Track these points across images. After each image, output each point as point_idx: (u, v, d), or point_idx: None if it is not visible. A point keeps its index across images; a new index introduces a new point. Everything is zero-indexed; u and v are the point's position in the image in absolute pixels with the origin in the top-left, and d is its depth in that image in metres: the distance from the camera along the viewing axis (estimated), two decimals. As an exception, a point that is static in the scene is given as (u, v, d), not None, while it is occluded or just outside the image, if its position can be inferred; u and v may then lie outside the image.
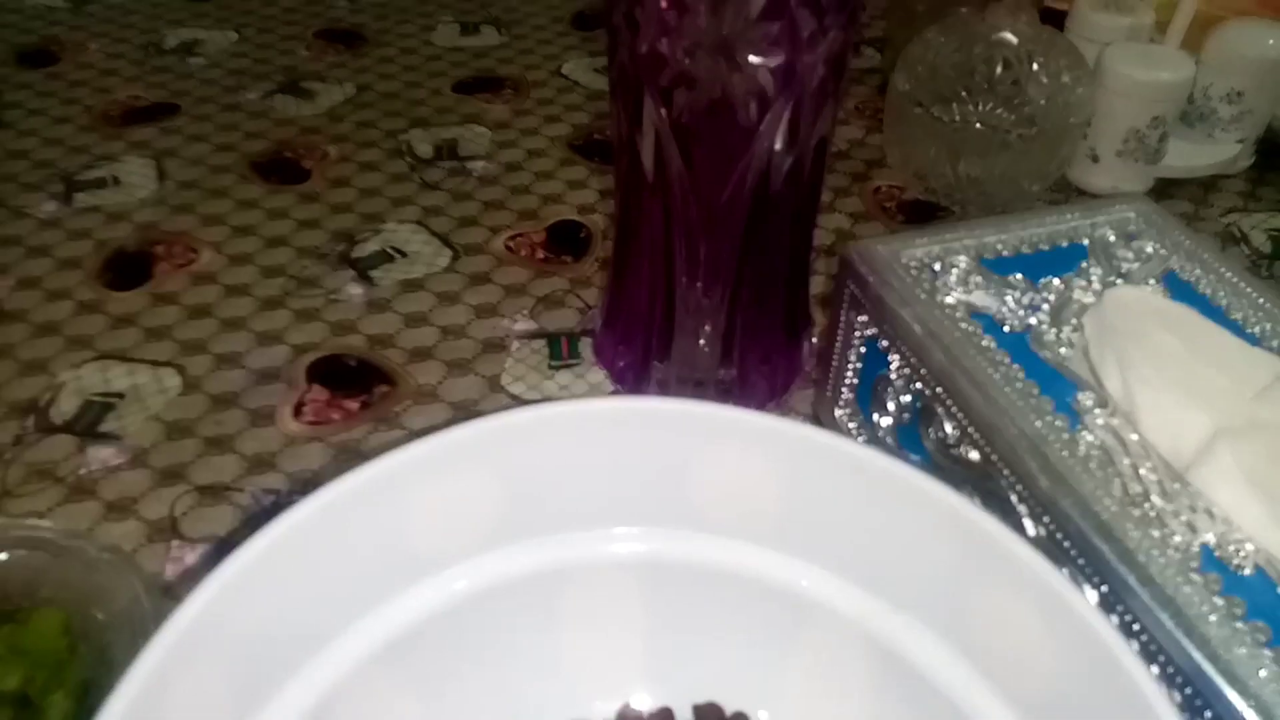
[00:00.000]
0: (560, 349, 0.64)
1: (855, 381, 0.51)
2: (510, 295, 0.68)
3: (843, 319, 0.51)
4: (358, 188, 0.79)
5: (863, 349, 0.50)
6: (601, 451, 0.39)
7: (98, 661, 0.42)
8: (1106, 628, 0.30)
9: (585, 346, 0.65)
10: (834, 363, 0.52)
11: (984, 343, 0.44)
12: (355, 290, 0.69)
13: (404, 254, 0.72)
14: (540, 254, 0.72)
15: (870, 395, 0.49)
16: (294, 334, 0.65)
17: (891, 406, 0.48)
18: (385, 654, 0.38)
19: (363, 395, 0.61)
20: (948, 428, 0.43)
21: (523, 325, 0.66)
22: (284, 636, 0.35)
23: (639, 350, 0.59)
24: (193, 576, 0.32)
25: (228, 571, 0.33)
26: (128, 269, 0.70)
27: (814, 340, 0.60)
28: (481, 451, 0.38)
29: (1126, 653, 0.30)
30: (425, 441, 0.37)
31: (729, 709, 0.41)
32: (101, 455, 0.56)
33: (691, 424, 0.38)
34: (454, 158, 0.83)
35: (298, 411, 0.59)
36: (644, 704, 0.41)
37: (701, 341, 0.57)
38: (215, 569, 0.33)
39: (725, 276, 0.55)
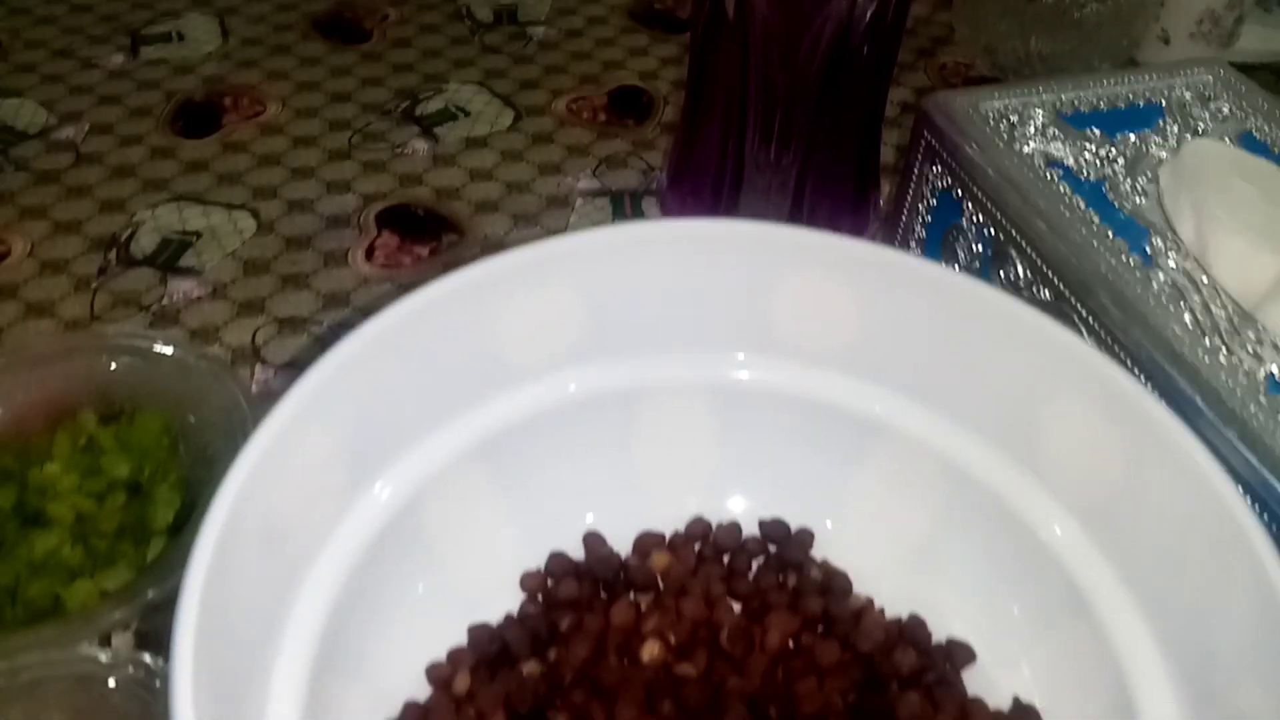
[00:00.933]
0: (623, 207, 0.65)
1: (924, 236, 0.52)
2: (573, 155, 0.69)
3: (915, 173, 0.51)
4: (419, 49, 0.79)
5: (934, 201, 0.51)
6: (683, 273, 0.41)
7: (198, 460, 0.45)
8: (1182, 430, 0.32)
9: (649, 205, 0.65)
10: (903, 218, 0.53)
11: (1060, 189, 0.45)
12: (420, 145, 0.69)
13: (467, 113, 0.73)
14: (602, 117, 0.73)
15: (940, 246, 0.50)
16: (362, 183, 0.66)
17: (962, 256, 0.49)
18: (476, 451, 0.40)
19: (432, 242, 0.62)
20: (1020, 269, 0.44)
21: (586, 184, 0.67)
22: (387, 423, 0.37)
23: (705, 209, 0.60)
24: (278, 396, 0.34)
25: (340, 353, 0.35)
26: (197, 118, 0.72)
27: (881, 204, 0.61)
28: (569, 265, 0.40)
29: (1202, 452, 0.31)
30: (518, 251, 0.39)
31: (794, 524, 0.43)
32: (183, 287, 0.58)
33: (776, 246, 0.40)
34: (513, 23, 0.83)
35: (369, 254, 0.61)
36: (713, 517, 0.43)
37: (770, 201, 0.58)
38: (327, 350, 0.35)
39: (799, 134, 0.55)
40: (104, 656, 0.35)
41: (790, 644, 0.38)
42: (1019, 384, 0.37)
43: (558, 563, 0.42)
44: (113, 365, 0.47)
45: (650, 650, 0.38)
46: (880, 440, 0.41)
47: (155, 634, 0.41)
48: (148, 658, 0.35)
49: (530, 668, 0.38)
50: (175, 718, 0.26)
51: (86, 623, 0.37)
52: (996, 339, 0.37)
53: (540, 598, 0.41)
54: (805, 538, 0.42)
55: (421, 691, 0.38)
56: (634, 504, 0.44)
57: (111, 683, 0.35)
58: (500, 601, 0.41)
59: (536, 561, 0.42)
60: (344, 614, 0.35)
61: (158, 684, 0.35)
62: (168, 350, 0.46)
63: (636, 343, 0.42)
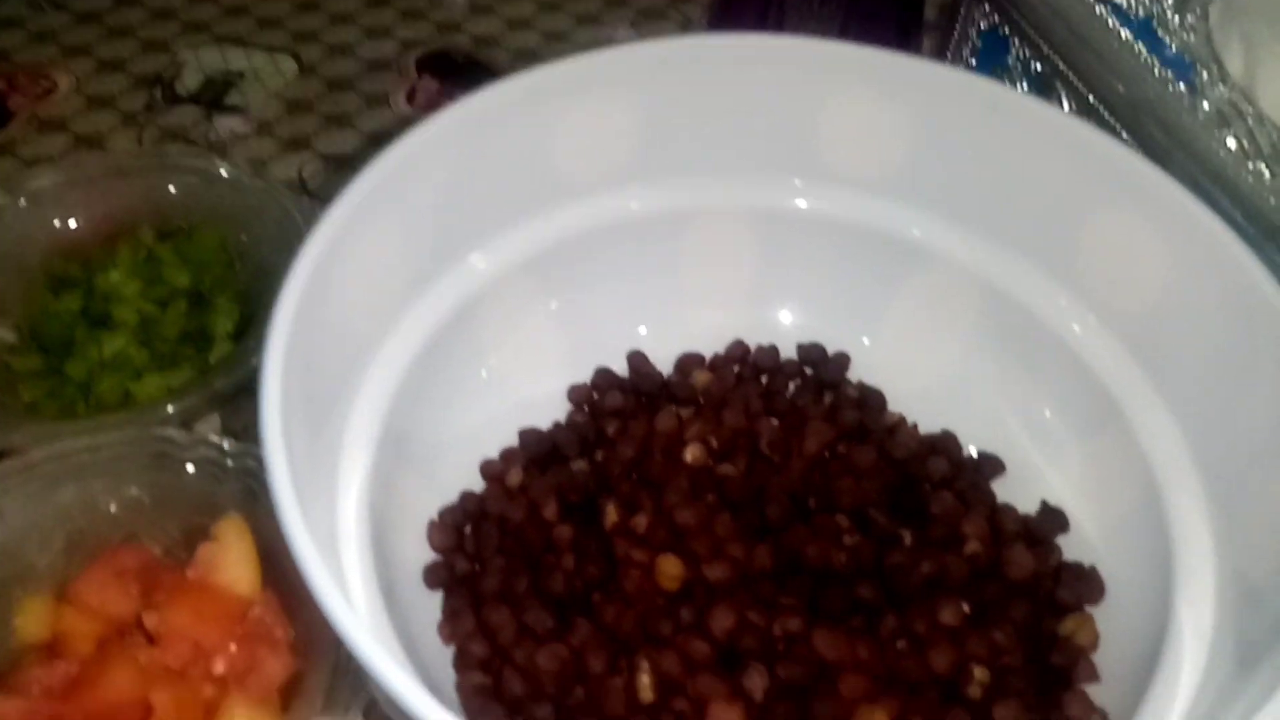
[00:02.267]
0: (663, 58, 0.65)
1: (967, 78, 0.52)
2: (611, 6, 0.69)
3: (962, 14, 0.51)
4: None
5: (980, 43, 0.51)
6: (738, 88, 0.41)
7: (255, 274, 0.46)
8: (1229, 235, 0.33)
9: (688, 57, 0.65)
10: (948, 58, 0.53)
11: (1109, 23, 0.45)
12: (459, -6, 0.69)
13: (506, -37, 0.72)
14: (642, -31, 0.72)
15: (984, 87, 0.50)
16: (401, 30, 0.66)
17: (1005, 95, 0.49)
18: (528, 263, 0.41)
19: (472, 88, 0.62)
20: (1066, 103, 0.45)
21: (624, 34, 0.67)
22: (445, 225, 0.39)
23: (744, 57, 0.59)
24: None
25: (398, 152, 0.36)
26: (235, -37, 0.71)
27: (924, 51, 0.60)
28: (621, 75, 0.40)
29: (1248, 255, 0.32)
30: (575, 60, 0.39)
31: (831, 347, 0.44)
32: (229, 124, 0.59)
33: (831, 60, 0.40)
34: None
35: (410, 98, 0.61)
36: (753, 340, 0.45)
37: (809, 47, 0.58)
38: (388, 147, 0.36)
39: (841, -24, 0.55)
40: (179, 438, 0.37)
41: (826, 453, 0.40)
42: (1064, 199, 0.37)
43: (604, 377, 0.44)
44: (170, 185, 0.48)
45: (693, 452, 0.39)
46: (919, 262, 0.42)
47: (224, 422, 0.43)
48: (215, 437, 0.37)
49: (579, 466, 0.40)
50: (272, 481, 0.27)
51: (155, 410, 0.39)
52: (1044, 153, 0.37)
53: (587, 409, 0.43)
54: (842, 360, 0.44)
55: (476, 485, 0.40)
56: (677, 325, 0.45)
57: (186, 463, 0.37)
58: (549, 413, 0.43)
59: (583, 377, 0.44)
60: (405, 407, 0.37)
61: (229, 463, 0.37)
62: (223, 171, 0.47)
63: (689, 163, 0.42)
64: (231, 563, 0.35)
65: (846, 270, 0.44)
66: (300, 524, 0.26)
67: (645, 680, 0.29)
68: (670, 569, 0.33)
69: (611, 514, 0.36)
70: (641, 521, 0.35)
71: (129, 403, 0.42)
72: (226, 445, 0.37)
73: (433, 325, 0.39)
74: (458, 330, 0.40)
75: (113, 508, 0.37)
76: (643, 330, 0.45)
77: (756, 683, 0.29)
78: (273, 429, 0.27)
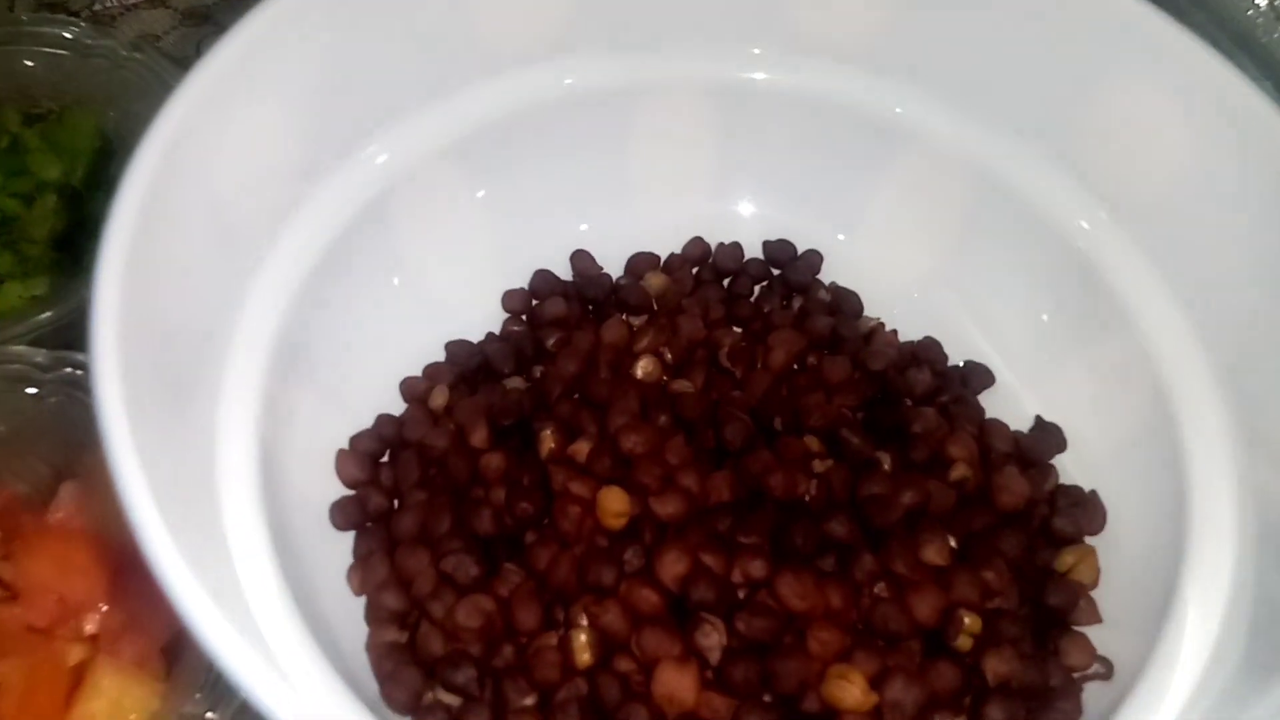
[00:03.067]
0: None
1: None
2: None
3: None
4: None
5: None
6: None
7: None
8: (1265, 105, 0.28)
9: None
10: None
11: None
12: None
13: None
14: None
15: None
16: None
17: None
18: (451, 147, 0.35)
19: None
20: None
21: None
22: (349, 101, 0.32)
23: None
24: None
25: (277, 6, 0.29)
26: None
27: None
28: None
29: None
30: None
31: (801, 245, 0.39)
32: (116, -8, 0.52)
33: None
34: None
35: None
36: (713, 237, 0.40)
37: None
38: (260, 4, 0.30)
39: None
40: (38, 358, 0.32)
41: (795, 366, 0.35)
42: (1069, 68, 0.32)
43: (543, 281, 0.38)
44: (33, 61, 0.41)
45: (644, 367, 0.35)
46: (900, 145, 0.36)
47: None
48: (78, 357, 0.32)
49: (514, 384, 0.35)
50: (103, 414, 0.22)
51: (15, 324, 0.34)
52: (1046, 13, 0.32)
53: (525, 318, 0.38)
54: (813, 259, 0.39)
55: (395, 406, 0.35)
56: (626, 221, 0.40)
57: (50, 389, 0.32)
58: (480, 322, 0.38)
59: (519, 280, 0.39)
60: (303, 319, 0.32)
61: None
62: (100, 44, 0.41)
63: (637, 31, 0.36)
64: (102, 503, 0.30)
65: (817, 155, 0.38)
66: (133, 466, 0.21)
67: (583, 639, 0.25)
68: (614, 504, 0.28)
69: (548, 440, 0.31)
70: (582, 448, 0.30)
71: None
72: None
73: (339, 219, 0.33)
74: (367, 228, 0.34)
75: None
76: (585, 227, 0.39)
77: (713, 640, 0.25)
78: (106, 359, 0.22)
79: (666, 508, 0.28)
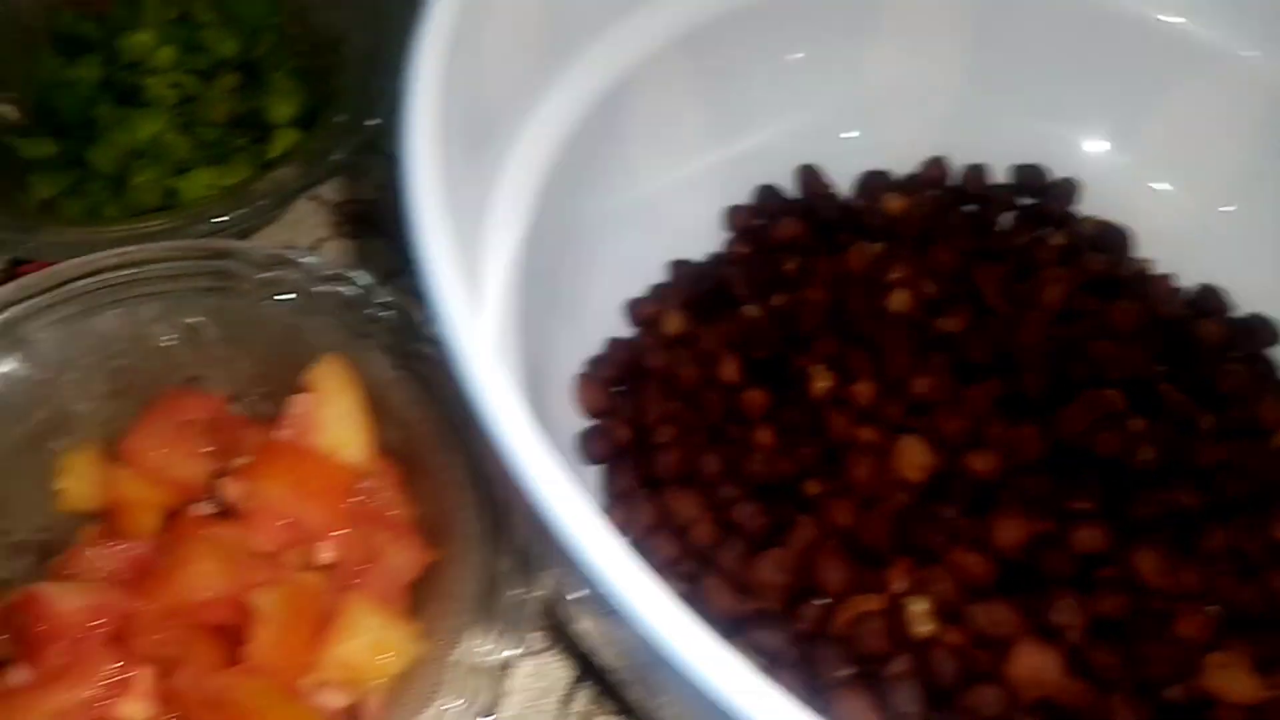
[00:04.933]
0: None
1: None
2: None
3: None
4: None
5: None
6: None
7: (320, 45, 0.36)
8: None
9: None
10: None
11: None
12: None
13: None
14: None
15: None
16: None
17: None
18: (682, 41, 0.31)
19: None
20: None
21: None
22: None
23: None
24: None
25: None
26: None
27: None
28: None
29: None
30: None
31: (1055, 168, 0.35)
32: None
33: None
34: None
35: None
36: (955, 152, 0.36)
37: None
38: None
39: None
40: (251, 252, 0.28)
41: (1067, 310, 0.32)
42: None
43: (770, 198, 0.35)
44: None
45: (899, 300, 0.31)
46: (1183, 63, 0.32)
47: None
48: (302, 254, 0.28)
49: (750, 312, 0.32)
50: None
51: (208, 215, 0.30)
52: None
53: (751, 238, 0.34)
54: (1067, 188, 0.35)
55: (617, 326, 0.32)
56: (860, 135, 0.36)
57: (261, 287, 0.28)
58: (700, 241, 0.34)
59: (738, 196, 0.35)
60: (543, 223, 0.28)
61: (317, 289, 0.28)
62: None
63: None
64: (335, 420, 0.27)
65: (1078, 69, 0.34)
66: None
67: (923, 607, 0.22)
68: (917, 456, 0.25)
69: (821, 379, 0.28)
70: (865, 391, 0.27)
71: (174, 205, 0.33)
72: (311, 261, 0.28)
73: (574, 115, 0.30)
74: (601, 123, 0.30)
75: (167, 341, 0.29)
76: (812, 140, 0.36)
77: (1069, 617, 0.22)
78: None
79: (982, 464, 0.25)
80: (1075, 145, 0.35)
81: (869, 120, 0.36)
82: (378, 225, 0.37)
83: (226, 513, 0.27)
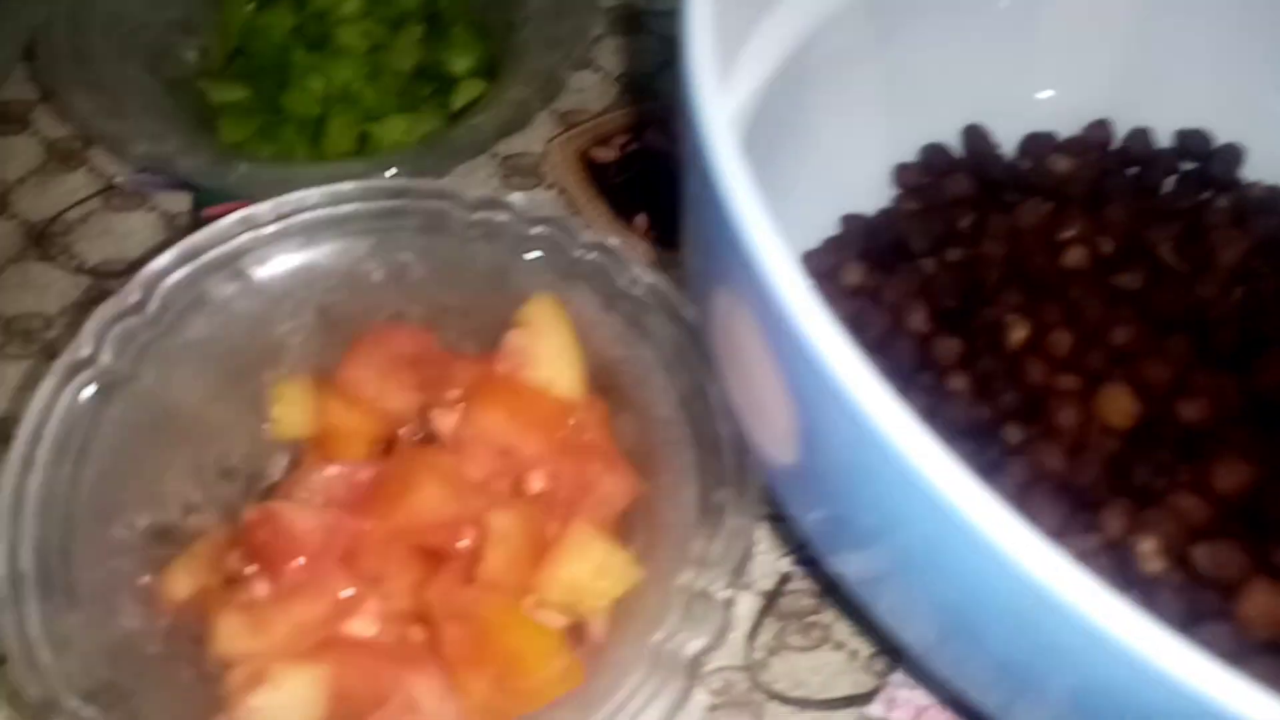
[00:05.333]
0: None
1: None
2: None
3: None
4: None
5: None
6: None
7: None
8: None
9: None
10: None
11: None
12: None
13: None
14: None
15: None
16: None
17: None
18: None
19: None
20: None
21: None
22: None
23: None
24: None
25: None
26: None
27: None
28: None
29: None
30: None
31: (1219, 134, 0.35)
32: None
33: None
34: None
35: None
36: (1117, 115, 0.36)
37: None
38: None
39: None
40: (462, 193, 0.29)
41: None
42: None
43: (938, 156, 0.35)
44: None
45: (1075, 256, 0.32)
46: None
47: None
48: (509, 196, 0.29)
49: (929, 266, 0.32)
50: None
51: (404, 162, 0.31)
52: None
53: (920, 196, 0.35)
54: (1232, 154, 0.35)
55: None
56: (1020, 96, 0.36)
57: (471, 227, 0.29)
58: (866, 197, 0.35)
59: (905, 155, 0.36)
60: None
61: (527, 230, 0.29)
62: None
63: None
64: (549, 356, 0.28)
65: (1255, 38, 0.35)
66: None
67: (1148, 547, 0.23)
68: (1123, 403, 0.26)
69: (1018, 328, 0.28)
70: (1062, 339, 0.28)
71: (363, 151, 0.34)
72: (521, 204, 0.29)
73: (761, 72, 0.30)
74: (784, 86, 0.31)
75: (377, 276, 0.30)
76: (973, 100, 0.36)
77: (1296, 560, 0.23)
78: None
79: (1192, 411, 0.26)
80: (1244, 109, 0.35)
81: (1035, 78, 0.36)
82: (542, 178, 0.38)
83: (431, 443, 0.29)
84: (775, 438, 0.23)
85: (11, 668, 0.22)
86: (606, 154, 0.39)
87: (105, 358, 0.26)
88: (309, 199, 0.29)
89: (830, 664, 0.29)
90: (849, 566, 0.25)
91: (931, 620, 0.22)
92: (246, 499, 0.29)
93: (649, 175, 0.40)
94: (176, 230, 0.38)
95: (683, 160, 0.24)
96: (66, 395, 0.26)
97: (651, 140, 0.40)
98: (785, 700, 0.29)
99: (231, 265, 0.29)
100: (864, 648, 0.30)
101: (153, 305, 0.27)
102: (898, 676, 0.29)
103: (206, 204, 0.37)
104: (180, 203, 0.38)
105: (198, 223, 0.38)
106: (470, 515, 0.26)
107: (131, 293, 0.27)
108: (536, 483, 0.27)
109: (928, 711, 0.29)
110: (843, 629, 0.30)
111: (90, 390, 0.26)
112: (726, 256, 0.21)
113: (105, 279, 0.36)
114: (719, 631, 0.24)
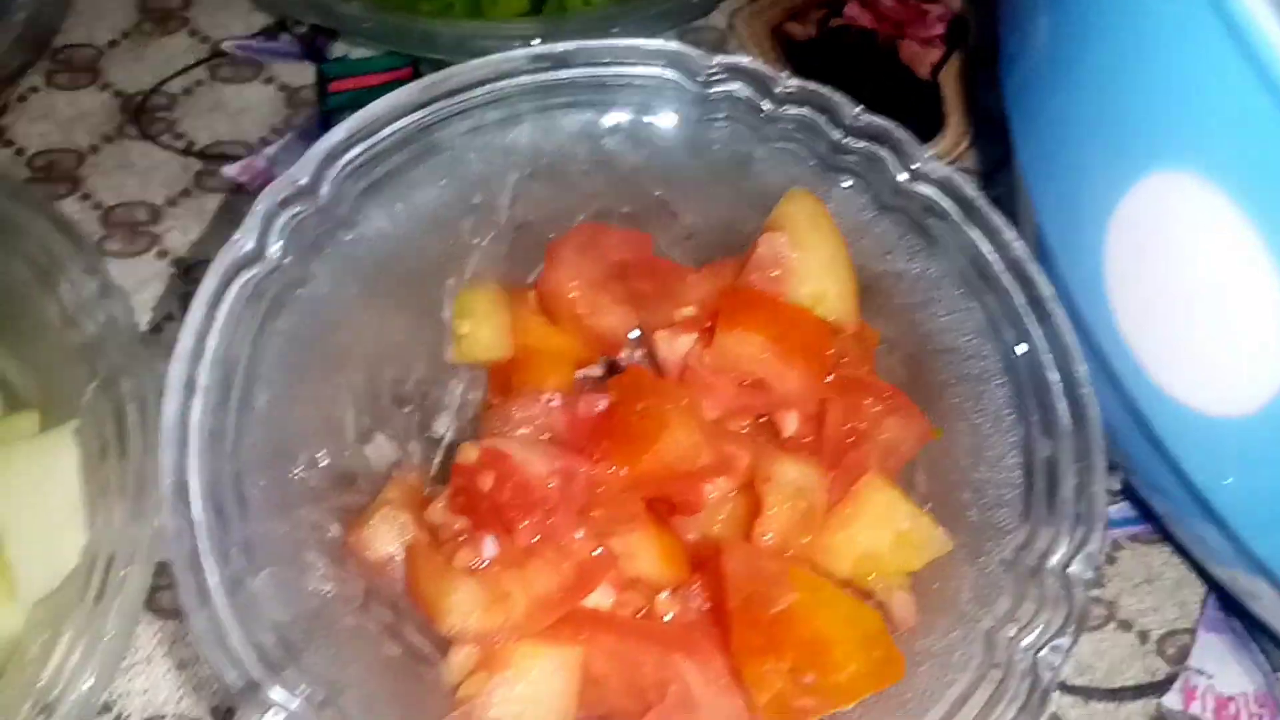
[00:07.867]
0: None
1: None
2: None
3: None
4: None
5: None
6: None
7: None
8: None
9: None
10: None
11: None
12: None
13: None
14: None
15: None
16: None
17: None
18: None
19: None
20: None
21: None
22: None
23: None
24: None
25: None
26: None
27: None
28: None
29: None
30: None
31: None
32: None
33: None
34: None
35: None
36: None
37: None
38: None
39: None
40: (689, 62, 0.23)
41: None
42: None
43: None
44: None
45: None
46: None
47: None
48: (751, 65, 0.23)
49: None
50: None
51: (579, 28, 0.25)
52: None
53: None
54: None
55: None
56: None
57: (692, 98, 0.23)
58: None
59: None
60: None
61: (769, 108, 0.23)
62: None
63: None
64: (815, 267, 0.22)
65: None
66: None
67: None
68: None
69: None
70: None
71: (546, 12, 0.28)
72: (768, 73, 0.23)
73: None
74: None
75: (581, 164, 0.24)
76: None
77: None
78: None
79: None
80: None
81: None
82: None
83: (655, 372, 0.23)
84: (1227, 378, 0.17)
85: (197, 643, 0.18)
86: (803, 30, 0.33)
87: (273, 252, 0.21)
88: (505, 63, 0.23)
89: (1117, 647, 0.25)
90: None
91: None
92: (422, 433, 0.24)
93: (854, 57, 0.33)
94: (300, 106, 0.32)
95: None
96: (229, 300, 0.20)
97: (855, 15, 0.34)
98: (1068, 689, 0.24)
99: (413, 144, 0.23)
100: (1156, 626, 0.25)
101: (325, 190, 0.22)
102: (1194, 662, 0.25)
103: (335, 76, 0.31)
104: (302, 74, 0.33)
105: (324, 98, 0.32)
106: (722, 462, 0.21)
107: (301, 173, 0.21)
108: (791, 424, 0.22)
109: (1231, 703, 0.25)
110: (1130, 603, 0.25)
111: (253, 293, 0.21)
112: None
113: (219, 162, 0.31)
114: (1072, 620, 0.19)
